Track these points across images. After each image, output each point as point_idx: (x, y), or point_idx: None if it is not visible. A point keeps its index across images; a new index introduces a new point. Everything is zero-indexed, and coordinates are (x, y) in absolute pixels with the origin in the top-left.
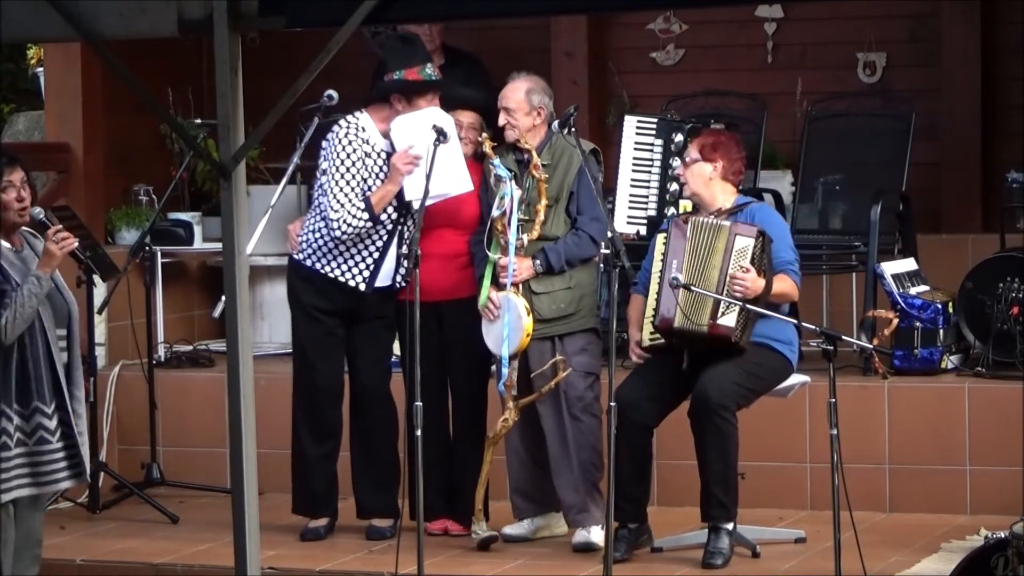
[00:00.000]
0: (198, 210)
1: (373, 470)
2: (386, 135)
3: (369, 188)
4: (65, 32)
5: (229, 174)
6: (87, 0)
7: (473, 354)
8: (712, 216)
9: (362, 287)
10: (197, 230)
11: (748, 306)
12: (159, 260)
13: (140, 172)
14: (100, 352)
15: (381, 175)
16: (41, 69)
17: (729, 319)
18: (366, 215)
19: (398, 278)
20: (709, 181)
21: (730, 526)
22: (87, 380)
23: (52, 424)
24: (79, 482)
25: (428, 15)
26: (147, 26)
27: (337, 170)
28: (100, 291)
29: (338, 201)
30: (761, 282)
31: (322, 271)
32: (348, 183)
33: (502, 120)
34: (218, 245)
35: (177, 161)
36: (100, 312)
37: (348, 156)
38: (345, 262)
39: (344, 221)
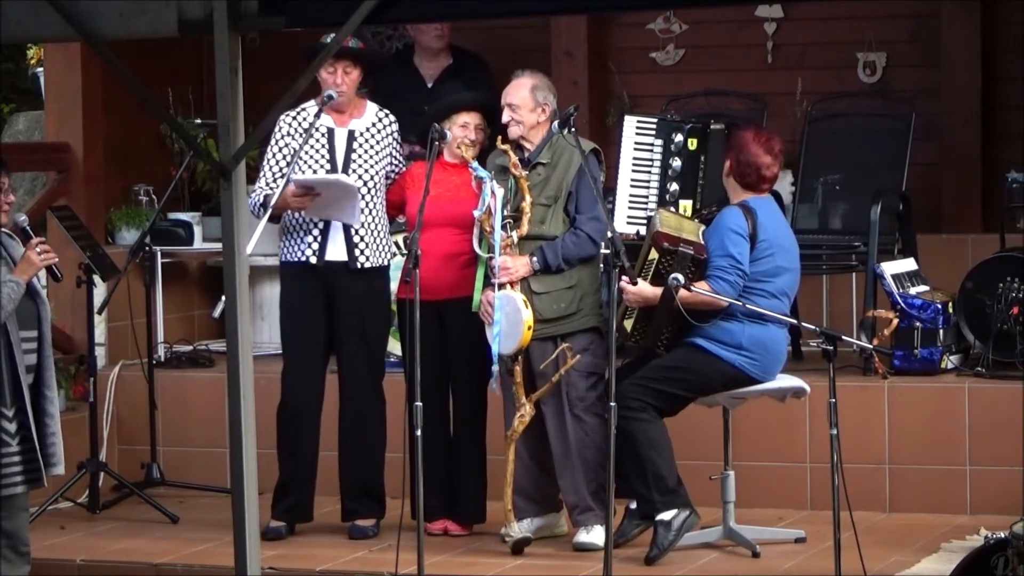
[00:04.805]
0: (198, 210)
1: (357, 469)
2: (327, 112)
3: (317, 162)
4: (65, 32)
5: (229, 174)
6: (87, 0)
7: (474, 353)
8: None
9: (313, 260)
10: (197, 230)
11: (683, 311)
12: (159, 260)
13: (140, 172)
14: (100, 352)
15: (323, 150)
16: (41, 69)
17: (628, 323)
18: (262, 191)
19: (359, 256)
20: (725, 179)
21: (667, 516)
22: (87, 380)
23: (12, 427)
24: (35, 487)
25: (428, 15)
26: (147, 26)
27: (269, 149)
28: (100, 291)
29: (261, 172)
30: (648, 291)
31: (288, 260)
32: (272, 158)
33: (506, 117)
34: (218, 245)
35: (177, 161)
36: (100, 312)
37: (281, 137)
38: (297, 243)
39: (252, 191)
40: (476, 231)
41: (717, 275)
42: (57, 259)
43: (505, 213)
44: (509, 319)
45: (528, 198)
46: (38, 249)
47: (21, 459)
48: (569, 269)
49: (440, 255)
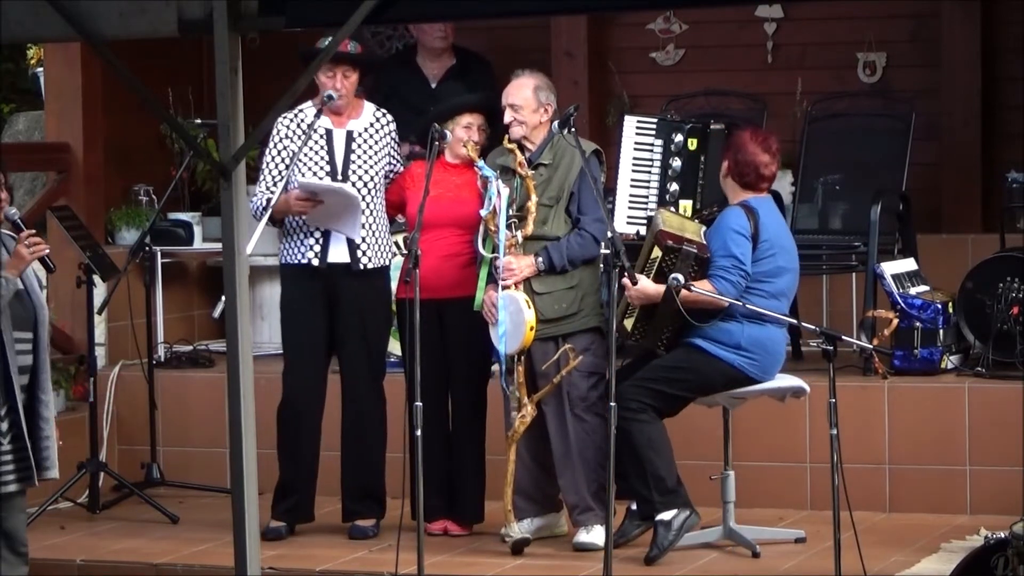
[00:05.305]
0: (198, 210)
1: (357, 470)
2: (325, 114)
3: (316, 164)
4: (65, 32)
5: (229, 174)
6: (87, 0)
7: (474, 353)
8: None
9: (315, 262)
10: (197, 230)
11: (682, 311)
12: (159, 260)
13: (140, 172)
14: (100, 352)
15: (322, 151)
16: (41, 69)
17: (628, 322)
18: (264, 195)
19: (360, 257)
20: (723, 179)
21: (667, 516)
22: (87, 380)
23: (4, 427)
24: (26, 486)
25: (428, 15)
26: (147, 26)
27: (268, 152)
28: (100, 291)
29: (261, 175)
30: (651, 289)
31: (289, 262)
32: (271, 161)
33: (508, 118)
34: (218, 245)
35: (177, 161)
36: (100, 312)
37: (280, 140)
38: (299, 245)
39: (254, 194)
40: (481, 230)
41: (720, 275)
42: (48, 249)
43: (510, 213)
44: (512, 319)
45: (534, 197)
46: (28, 242)
47: (13, 458)
48: (573, 270)
49: (441, 255)
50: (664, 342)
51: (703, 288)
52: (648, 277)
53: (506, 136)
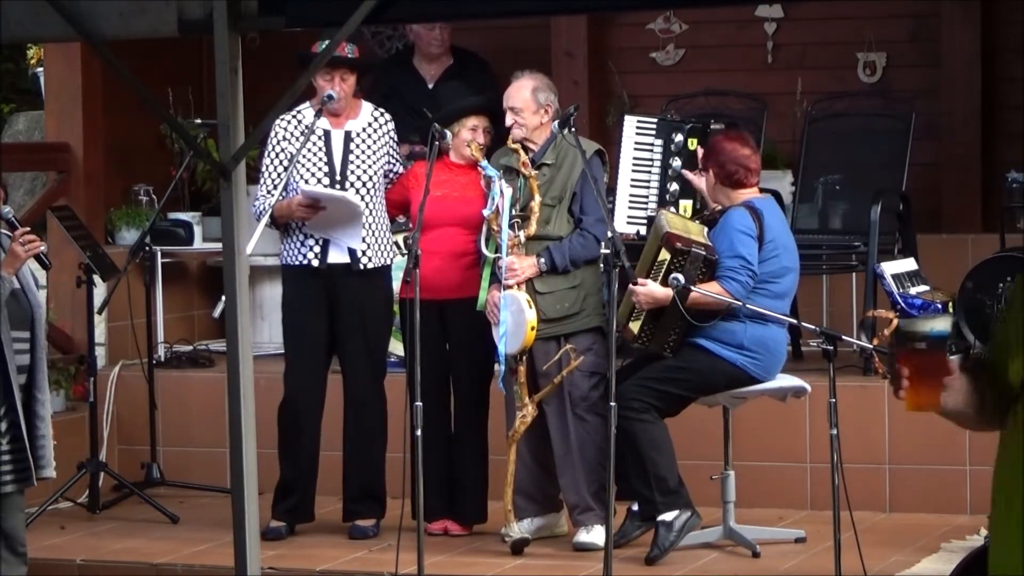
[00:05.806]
0: (198, 210)
1: (357, 470)
2: (323, 115)
3: (315, 165)
4: (65, 32)
5: (229, 174)
6: (87, 0)
7: (476, 353)
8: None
9: (315, 263)
10: (197, 230)
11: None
12: (159, 260)
13: (140, 172)
14: (100, 352)
15: (320, 152)
16: (41, 69)
17: (634, 325)
18: (265, 199)
19: (360, 256)
20: (713, 188)
21: (668, 516)
22: (87, 380)
23: (2, 427)
24: (24, 486)
25: (428, 15)
26: (147, 26)
27: (267, 154)
28: (100, 291)
29: (261, 179)
30: (659, 292)
31: (289, 262)
32: (271, 163)
33: (509, 120)
34: (218, 245)
35: (177, 161)
36: (100, 312)
37: (278, 142)
38: (299, 246)
39: (256, 198)
40: (484, 230)
41: (728, 275)
42: (43, 247)
43: (513, 212)
44: (514, 319)
45: (537, 197)
46: (22, 240)
47: (11, 459)
48: (575, 271)
49: (445, 255)
50: (671, 345)
51: (711, 289)
52: (656, 280)
53: (510, 137)
